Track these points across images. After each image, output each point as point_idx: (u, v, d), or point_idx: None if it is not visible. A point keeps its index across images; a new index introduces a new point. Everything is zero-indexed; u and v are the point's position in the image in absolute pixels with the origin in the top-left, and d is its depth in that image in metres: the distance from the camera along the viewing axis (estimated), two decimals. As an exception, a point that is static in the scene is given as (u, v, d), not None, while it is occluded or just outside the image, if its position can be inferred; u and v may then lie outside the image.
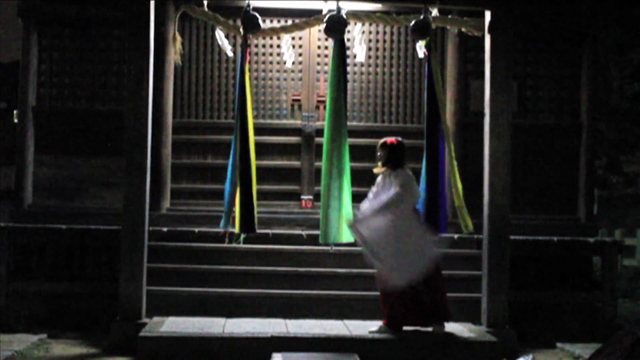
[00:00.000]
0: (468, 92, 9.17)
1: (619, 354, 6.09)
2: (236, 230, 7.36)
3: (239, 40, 7.73)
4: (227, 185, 7.38)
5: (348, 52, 8.25)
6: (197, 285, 8.03)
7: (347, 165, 7.34)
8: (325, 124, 7.46)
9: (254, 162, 7.43)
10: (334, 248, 7.62)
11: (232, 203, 7.33)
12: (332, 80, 7.36)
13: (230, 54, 8.22)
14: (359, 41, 8.30)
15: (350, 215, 7.17)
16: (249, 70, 9.07)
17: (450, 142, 7.67)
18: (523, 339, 7.79)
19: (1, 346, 6.97)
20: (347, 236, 7.23)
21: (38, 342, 7.42)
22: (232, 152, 7.38)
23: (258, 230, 8.41)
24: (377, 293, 7.99)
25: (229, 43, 8.26)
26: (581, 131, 9.27)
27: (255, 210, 7.38)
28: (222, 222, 7.38)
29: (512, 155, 7.60)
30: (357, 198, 7.42)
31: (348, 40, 8.33)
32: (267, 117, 9.29)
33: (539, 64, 9.33)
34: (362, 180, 8.34)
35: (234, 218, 7.32)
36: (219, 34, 8.01)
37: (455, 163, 7.64)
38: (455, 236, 8.18)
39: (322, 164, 7.36)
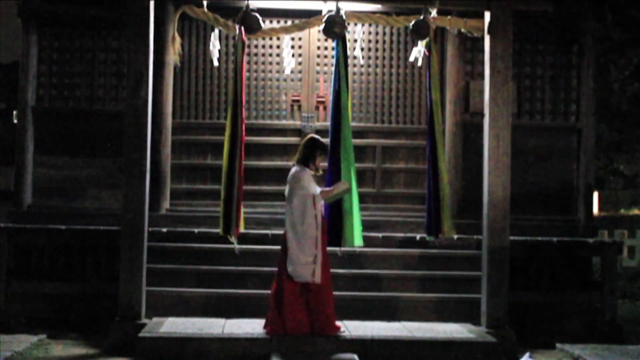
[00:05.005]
0: (468, 92, 9.17)
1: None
2: (220, 232, 7.21)
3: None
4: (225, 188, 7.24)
5: (354, 53, 8.23)
6: (196, 285, 8.03)
7: (354, 167, 7.32)
8: (332, 123, 7.39)
9: (239, 163, 7.31)
10: (341, 250, 7.52)
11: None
12: (340, 79, 7.33)
13: (216, 63, 8.20)
14: (359, 42, 8.28)
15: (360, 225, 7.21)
16: (248, 71, 9.15)
17: (442, 144, 7.63)
18: (523, 339, 7.79)
19: (1, 346, 6.96)
20: (359, 240, 7.23)
21: (38, 342, 7.41)
22: (227, 153, 7.27)
23: (258, 231, 8.41)
24: (377, 293, 8.01)
25: (229, 44, 8.23)
26: (580, 132, 9.27)
27: (236, 210, 7.12)
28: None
29: (512, 155, 7.59)
30: (363, 200, 7.38)
31: (349, 40, 8.32)
32: (266, 118, 9.29)
33: (538, 65, 9.33)
34: (362, 181, 8.32)
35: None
36: (214, 40, 7.95)
37: (444, 166, 7.59)
38: (455, 236, 8.18)
39: (330, 166, 7.26)
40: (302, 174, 6.98)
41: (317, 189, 7.01)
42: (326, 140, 7.42)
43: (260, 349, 6.77)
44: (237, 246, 7.38)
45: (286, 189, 7.06)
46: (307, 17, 8.10)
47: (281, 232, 8.59)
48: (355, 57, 8.56)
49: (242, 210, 7.25)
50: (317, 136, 7.26)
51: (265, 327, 7.04)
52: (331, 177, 7.24)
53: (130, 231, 7.27)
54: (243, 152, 7.21)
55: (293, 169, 7.08)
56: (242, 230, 7.30)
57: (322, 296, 6.94)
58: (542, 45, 9.32)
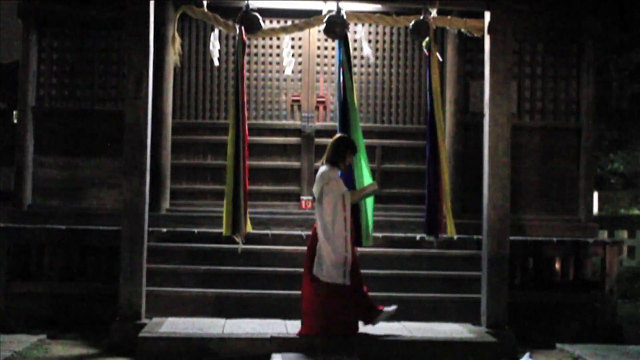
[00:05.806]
0: (468, 92, 9.17)
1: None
2: (224, 232, 7.25)
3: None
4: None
5: (354, 53, 8.22)
6: (197, 285, 8.03)
7: (367, 166, 7.33)
8: (340, 123, 7.41)
9: (244, 163, 7.31)
10: None
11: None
12: (345, 79, 7.32)
13: (217, 63, 8.22)
14: (366, 40, 8.27)
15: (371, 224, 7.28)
16: (248, 71, 9.15)
17: (444, 144, 7.63)
18: (523, 339, 7.79)
19: (1, 346, 6.96)
20: (366, 240, 7.26)
21: (37, 342, 7.41)
22: (231, 153, 7.27)
23: (257, 231, 8.40)
24: (376, 293, 8.00)
25: (229, 44, 8.22)
26: (581, 131, 9.27)
27: (243, 210, 7.17)
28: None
29: (512, 155, 7.60)
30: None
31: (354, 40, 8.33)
32: (266, 118, 9.29)
33: (538, 65, 9.33)
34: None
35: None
36: (213, 40, 7.96)
37: (445, 165, 7.59)
38: (455, 236, 8.18)
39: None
40: (332, 174, 6.96)
41: (347, 189, 7.02)
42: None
43: (260, 349, 6.77)
44: (241, 246, 7.39)
45: (315, 188, 7.02)
46: (307, 17, 8.11)
47: (281, 232, 8.66)
48: (362, 58, 8.55)
49: (248, 210, 7.28)
50: (346, 135, 7.23)
51: (301, 328, 6.97)
52: (344, 176, 7.24)
53: (130, 231, 7.28)
54: (247, 152, 7.25)
55: (323, 168, 7.03)
56: (249, 230, 7.32)
57: (352, 297, 6.93)
58: (542, 45, 9.32)
